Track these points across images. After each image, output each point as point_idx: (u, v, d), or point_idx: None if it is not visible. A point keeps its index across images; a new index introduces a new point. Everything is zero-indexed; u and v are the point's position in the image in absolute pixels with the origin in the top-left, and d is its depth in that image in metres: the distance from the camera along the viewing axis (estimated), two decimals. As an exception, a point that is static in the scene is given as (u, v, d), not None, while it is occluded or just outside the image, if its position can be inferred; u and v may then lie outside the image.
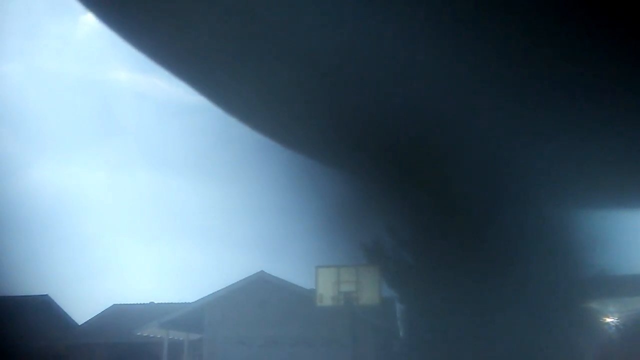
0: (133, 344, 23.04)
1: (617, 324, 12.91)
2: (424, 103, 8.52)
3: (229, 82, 9.10)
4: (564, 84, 8.35)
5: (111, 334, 24.57)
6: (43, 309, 25.92)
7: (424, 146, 9.76)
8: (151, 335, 21.13)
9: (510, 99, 8.64)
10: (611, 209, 13.13)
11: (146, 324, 20.39)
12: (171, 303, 24.35)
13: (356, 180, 12.19)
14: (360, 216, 13.87)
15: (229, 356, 18.21)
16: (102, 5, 7.77)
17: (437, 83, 8.14)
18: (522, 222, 12.10)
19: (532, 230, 12.31)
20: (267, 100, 9.21)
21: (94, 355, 24.00)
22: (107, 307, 27.31)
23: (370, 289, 14.45)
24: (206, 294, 19.21)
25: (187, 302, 21.24)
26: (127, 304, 27.19)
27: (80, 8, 7.91)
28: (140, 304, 26.63)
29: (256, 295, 18.66)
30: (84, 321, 26.98)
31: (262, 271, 18.99)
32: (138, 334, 20.77)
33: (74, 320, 27.29)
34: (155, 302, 26.57)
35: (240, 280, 19.04)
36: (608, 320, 12.81)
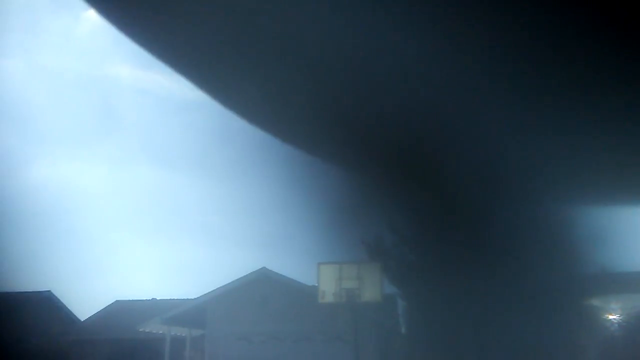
0: (135, 340, 23.09)
1: (620, 320, 12.92)
2: (425, 102, 8.52)
3: (231, 79, 9.10)
4: (564, 82, 8.35)
5: (114, 330, 24.63)
6: (45, 305, 25.99)
7: (425, 144, 9.77)
8: (153, 331, 21.17)
9: (510, 98, 8.63)
10: (613, 207, 13.12)
11: (148, 320, 20.43)
12: (173, 299, 24.42)
13: (358, 177, 12.20)
14: (362, 213, 13.89)
15: (231, 352, 18.25)
16: (105, 3, 7.76)
17: (438, 82, 8.14)
18: (523, 219, 12.10)
19: (533, 227, 12.31)
20: (269, 98, 9.21)
21: (96, 351, 24.06)
22: (110, 303, 27.40)
23: (372, 286, 14.45)
24: (208, 290, 19.25)
25: (189, 298, 21.28)
26: (129, 300, 27.25)
27: (82, 4, 7.91)
28: (143, 300, 26.70)
29: (258, 291, 18.69)
30: (87, 317, 27.07)
31: (264, 267, 19.01)
32: (140, 330, 20.81)
33: (76, 316, 27.37)
34: (158, 298, 26.66)
35: (242, 277, 19.06)
36: (610, 317, 12.81)
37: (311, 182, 12.66)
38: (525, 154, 10.00)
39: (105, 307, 27.19)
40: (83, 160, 35.14)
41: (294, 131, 10.63)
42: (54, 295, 26.58)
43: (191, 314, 19.58)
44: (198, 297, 19.58)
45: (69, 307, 27.36)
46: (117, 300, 27.51)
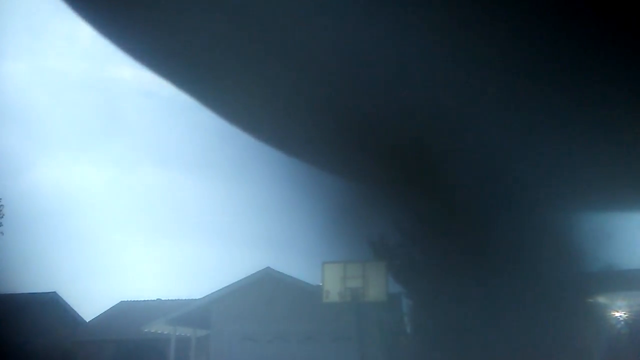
0: (140, 340, 23.13)
1: (626, 317, 12.87)
2: (430, 104, 8.51)
3: (229, 88, 9.06)
4: (566, 87, 8.33)
5: (119, 331, 24.69)
6: (51, 306, 26.03)
7: (430, 145, 9.76)
8: (158, 332, 21.20)
9: (512, 100, 8.62)
10: (617, 208, 13.08)
11: (153, 321, 20.45)
12: (178, 299, 24.46)
13: (362, 177, 12.19)
14: (367, 212, 13.87)
15: (236, 352, 18.24)
16: (100, 15, 7.73)
17: (442, 85, 8.13)
18: (527, 216, 12.08)
19: (537, 225, 12.29)
20: (269, 104, 9.19)
21: (101, 351, 24.12)
22: (115, 303, 27.48)
23: (376, 285, 14.43)
24: (213, 291, 19.24)
25: (194, 298, 21.29)
26: (134, 301, 27.33)
27: (84, 6, 7.88)
28: (148, 300, 26.76)
29: (263, 291, 18.67)
30: (92, 318, 27.13)
31: (268, 267, 18.99)
32: (145, 330, 20.83)
33: (81, 317, 27.42)
34: (163, 298, 26.70)
35: (246, 277, 19.05)
36: (616, 314, 12.77)
37: (316, 182, 12.66)
38: (528, 154, 10.00)
39: (111, 308, 27.26)
40: (88, 161, 35.24)
41: (296, 135, 10.63)
42: (59, 296, 26.63)
43: (196, 314, 19.59)
44: (203, 297, 19.57)
45: (74, 308, 27.41)
46: (122, 301, 27.59)
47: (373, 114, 9.10)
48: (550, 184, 10.81)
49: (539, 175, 10.53)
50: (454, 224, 12.93)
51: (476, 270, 12.65)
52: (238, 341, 18.45)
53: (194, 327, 20.97)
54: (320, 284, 14.91)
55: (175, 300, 24.73)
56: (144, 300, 26.94)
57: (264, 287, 18.76)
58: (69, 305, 27.10)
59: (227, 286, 19.08)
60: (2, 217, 17.16)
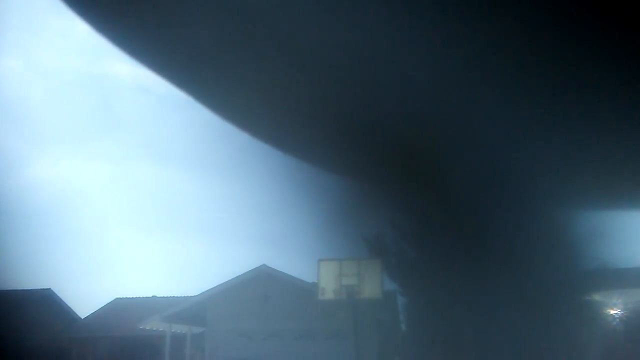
0: (136, 337, 23.11)
1: (621, 315, 12.93)
2: (427, 102, 8.51)
3: (227, 87, 9.03)
4: (566, 84, 8.34)
5: (114, 328, 24.66)
6: (46, 303, 25.99)
7: (426, 143, 9.75)
8: (154, 329, 21.18)
9: (510, 99, 8.63)
10: (614, 207, 13.12)
11: (149, 318, 20.43)
12: (173, 296, 24.43)
13: (358, 175, 12.18)
14: (363, 210, 13.87)
15: (232, 349, 18.24)
16: (95, 11, 7.67)
17: (440, 84, 8.12)
18: (523, 214, 12.09)
19: (533, 223, 12.31)
20: (267, 101, 9.17)
21: (96, 348, 24.09)
22: (110, 300, 27.44)
23: (372, 282, 14.44)
24: (208, 288, 19.22)
25: (189, 295, 21.27)
26: (129, 298, 27.31)
27: (81, 3, 7.83)
28: (143, 297, 26.74)
29: (258, 288, 18.67)
30: (87, 315, 27.10)
31: (264, 265, 18.99)
32: (141, 327, 20.81)
33: (76, 314, 27.40)
34: (158, 295, 26.67)
35: (242, 274, 19.04)
36: (612, 311, 12.82)
37: (312, 179, 12.65)
38: (525, 152, 10.01)
39: (106, 305, 27.22)
40: (83, 158, 35.14)
41: (294, 134, 10.61)
42: (54, 293, 26.60)
43: (191, 311, 19.57)
44: (198, 295, 19.55)
45: (69, 305, 27.40)
46: (117, 298, 27.55)
47: (370, 111, 9.09)
48: (547, 182, 10.83)
49: (536, 173, 10.54)
50: (450, 222, 12.95)
51: (472, 268, 12.67)
52: (233, 338, 18.45)
53: (189, 325, 20.96)
54: (316, 282, 14.91)
55: (171, 297, 24.70)
56: (139, 297, 26.93)
57: (260, 285, 18.76)
58: (64, 302, 27.08)
59: (223, 283, 19.07)
60: (-4, 213, 17.05)
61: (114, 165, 35.70)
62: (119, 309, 26.35)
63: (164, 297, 25.73)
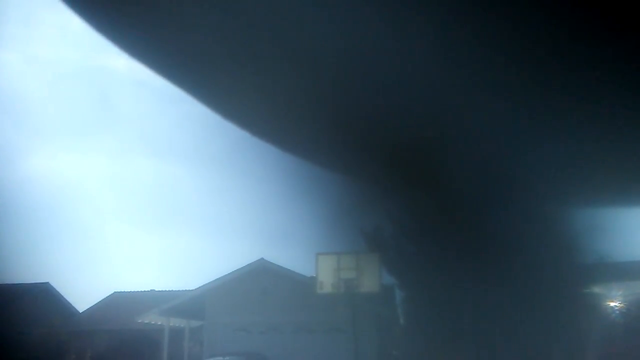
0: (134, 331, 23.13)
1: (621, 307, 12.94)
2: (425, 100, 8.48)
3: (227, 86, 8.98)
4: (564, 83, 8.32)
5: (112, 321, 24.69)
6: (44, 297, 26.02)
7: (425, 139, 9.74)
8: (152, 323, 21.20)
9: (509, 97, 8.62)
10: (613, 203, 13.13)
11: (147, 311, 20.44)
12: (172, 290, 24.47)
13: (357, 171, 12.16)
14: (361, 205, 13.86)
15: (230, 343, 18.26)
16: (95, 10, 7.61)
17: (440, 82, 8.10)
18: (521, 209, 12.09)
19: (531, 217, 12.31)
20: (266, 100, 9.13)
21: (95, 342, 24.11)
22: (108, 294, 27.47)
23: (370, 276, 14.43)
24: (207, 282, 19.24)
25: (187, 289, 21.29)
26: (127, 292, 27.34)
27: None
28: (141, 291, 26.77)
29: (256, 282, 18.68)
30: (85, 309, 27.14)
31: (262, 258, 19.00)
32: (139, 321, 20.82)
33: (75, 308, 27.43)
34: (156, 289, 26.70)
35: (240, 268, 19.05)
36: (612, 304, 12.83)
37: (311, 175, 12.63)
38: (522, 149, 10.00)
39: (104, 299, 27.25)
40: (81, 152, 35.09)
41: (292, 131, 10.59)
42: (52, 287, 26.62)
43: (190, 305, 19.59)
44: (196, 288, 19.57)
45: (67, 299, 27.43)
46: (115, 292, 27.59)
47: (369, 110, 9.07)
48: (546, 177, 10.82)
49: (533, 169, 10.54)
50: (448, 216, 12.95)
51: (470, 262, 12.68)
52: (231, 332, 18.48)
53: (187, 318, 20.98)
54: (314, 276, 14.91)
55: (169, 291, 24.74)
56: (137, 291, 26.94)
57: (258, 279, 18.77)
58: (62, 296, 27.11)
59: (221, 277, 19.08)
60: (-6, 207, 17.03)
61: (112, 159, 35.67)
62: (117, 302, 26.38)
63: (162, 291, 25.77)
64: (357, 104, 8.99)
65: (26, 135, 33.46)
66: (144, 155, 36.52)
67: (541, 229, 12.25)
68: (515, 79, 8.25)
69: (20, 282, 24.36)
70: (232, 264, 19.82)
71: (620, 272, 13.26)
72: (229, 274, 19.05)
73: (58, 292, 26.95)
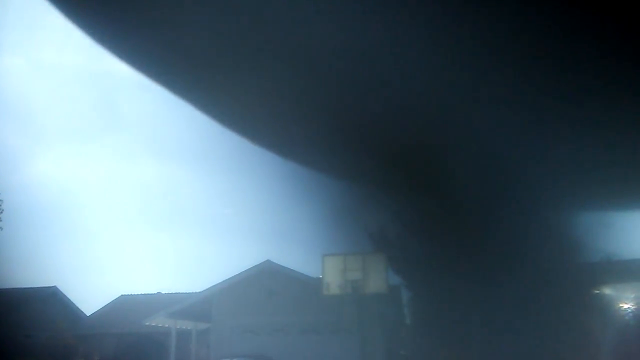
0: (141, 333, 23.17)
1: (633, 309, 12.85)
2: (430, 103, 8.48)
3: (225, 92, 8.97)
4: (568, 87, 8.31)
5: (119, 325, 24.72)
6: (51, 301, 26.09)
7: (430, 141, 9.74)
8: (159, 325, 21.22)
9: (515, 100, 8.60)
10: (617, 204, 13.07)
11: (154, 314, 20.46)
12: (178, 293, 24.47)
13: (363, 173, 12.16)
14: (366, 205, 13.86)
15: (237, 345, 18.27)
16: (92, 19, 7.59)
17: (445, 85, 8.09)
18: (526, 209, 12.07)
19: (537, 217, 12.28)
20: (267, 106, 9.12)
21: (102, 345, 24.16)
22: (115, 297, 27.51)
23: (376, 277, 14.42)
24: (213, 284, 19.25)
25: (194, 291, 21.31)
26: (134, 295, 27.36)
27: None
28: (148, 294, 26.78)
29: (263, 284, 18.68)
30: (93, 312, 27.18)
31: (268, 260, 19.00)
32: (146, 324, 20.85)
33: (82, 312, 27.49)
34: (163, 292, 26.72)
35: (246, 270, 19.06)
36: (625, 305, 12.72)
37: (315, 175, 12.63)
38: (527, 150, 10.00)
39: (111, 302, 27.29)
40: (86, 155, 35.18)
41: (295, 136, 10.59)
42: (59, 290, 26.69)
43: (196, 307, 19.61)
44: (203, 291, 19.59)
45: (74, 303, 27.50)
46: (122, 295, 27.62)
47: (373, 113, 9.07)
48: (550, 179, 10.81)
49: (539, 170, 10.53)
50: (454, 216, 12.92)
51: (477, 262, 12.65)
52: (238, 334, 18.49)
53: (194, 321, 21.00)
54: (321, 277, 14.90)
55: (176, 293, 24.75)
56: (144, 294, 26.97)
57: (264, 280, 18.77)
58: (69, 300, 27.17)
59: (227, 279, 19.09)
60: (1, 212, 17.11)
61: (117, 162, 35.75)
62: (124, 305, 26.42)
63: (168, 293, 25.79)
64: (362, 108, 8.99)
65: (31, 140, 33.59)
66: (149, 158, 36.61)
67: (548, 227, 12.22)
68: (523, 83, 8.24)
69: (28, 286, 24.47)
70: (238, 266, 19.84)
71: (630, 271, 13.14)
72: (235, 276, 19.07)
73: (65, 296, 27.02)
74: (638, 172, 10.99)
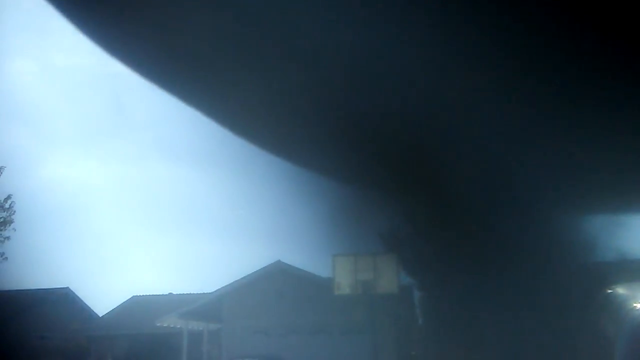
0: (153, 334, 23.27)
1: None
2: (435, 105, 8.44)
3: (227, 95, 8.96)
4: (568, 88, 8.24)
5: (131, 325, 24.85)
6: (64, 302, 26.29)
7: (438, 141, 9.70)
8: (171, 326, 21.32)
9: (527, 98, 8.55)
10: (624, 208, 12.94)
11: (166, 315, 20.56)
12: (190, 294, 24.57)
13: (372, 174, 12.13)
14: (376, 206, 13.82)
15: (248, 345, 18.31)
16: (93, 22, 7.61)
17: (447, 85, 8.05)
18: (538, 208, 11.98)
19: (549, 217, 12.19)
20: (269, 108, 9.11)
21: (115, 346, 24.31)
22: (127, 298, 27.66)
23: (387, 277, 14.41)
24: (224, 284, 19.30)
25: (205, 292, 21.38)
26: (146, 295, 27.49)
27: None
28: (160, 295, 26.90)
29: (274, 284, 18.71)
30: (105, 313, 27.35)
31: (279, 260, 19.02)
32: (158, 324, 20.95)
33: (94, 312, 27.67)
34: (174, 293, 26.82)
35: (257, 270, 19.10)
36: (637, 305, 12.58)
37: (325, 177, 12.61)
38: (537, 151, 9.93)
39: (123, 303, 27.44)
40: (97, 158, 35.41)
41: (296, 141, 10.57)
42: (72, 291, 26.88)
43: (208, 308, 19.67)
44: (214, 291, 19.66)
45: (87, 303, 27.69)
46: (134, 296, 27.77)
47: (383, 115, 9.04)
48: (564, 179, 10.73)
49: (550, 172, 10.45)
50: (466, 217, 12.85)
51: (487, 261, 12.58)
52: (250, 334, 18.52)
53: (206, 321, 21.07)
54: (331, 277, 14.89)
55: (187, 294, 24.84)
56: (156, 295, 27.09)
57: (275, 281, 18.79)
58: (82, 301, 27.36)
59: (238, 280, 19.14)
60: (14, 213, 17.29)
61: (128, 164, 35.95)
62: (136, 306, 26.56)
63: (180, 294, 25.89)
64: (371, 111, 8.97)
65: (43, 143, 33.87)
66: (160, 160, 36.77)
67: (563, 228, 12.13)
68: (525, 83, 8.19)
69: (41, 288, 24.66)
70: (249, 266, 19.87)
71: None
72: (246, 276, 19.11)
73: (78, 297, 27.22)
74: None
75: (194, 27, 7.34)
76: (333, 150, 10.33)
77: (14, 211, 17.28)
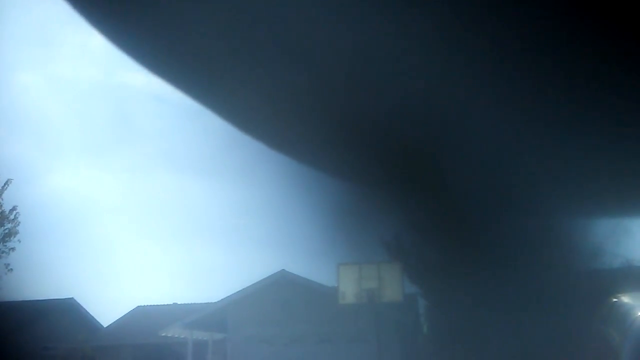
0: (158, 344, 23.24)
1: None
2: (439, 108, 8.45)
3: (236, 94, 9.01)
4: (574, 91, 8.24)
5: (136, 335, 24.81)
6: (69, 312, 26.29)
7: (441, 147, 9.70)
8: (175, 336, 21.28)
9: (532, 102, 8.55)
10: (628, 211, 12.90)
11: (170, 325, 20.53)
12: (194, 303, 24.52)
13: (375, 180, 12.13)
14: (380, 213, 13.81)
15: (253, 355, 18.25)
16: (107, 21, 7.70)
17: (452, 88, 8.06)
18: (547, 215, 11.95)
19: (554, 224, 12.16)
20: (277, 108, 9.14)
21: (119, 356, 24.26)
22: (132, 308, 27.63)
23: (392, 286, 14.35)
24: (229, 294, 19.27)
25: (210, 302, 21.34)
26: (151, 305, 27.47)
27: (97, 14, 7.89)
28: (164, 305, 26.88)
29: (278, 293, 18.66)
30: (109, 323, 27.32)
31: (283, 270, 18.98)
32: (162, 334, 20.92)
33: (99, 323, 27.66)
34: (179, 302, 26.79)
35: (262, 280, 19.06)
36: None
37: (329, 184, 12.63)
38: (543, 156, 9.92)
39: (128, 313, 27.41)
40: (102, 168, 35.51)
41: (306, 140, 10.60)
42: (76, 302, 26.89)
43: (212, 317, 19.63)
44: (219, 301, 19.61)
45: (91, 314, 27.68)
46: (138, 306, 27.75)
47: (382, 117, 9.05)
48: (570, 185, 10.71)
49: (554, 177, 10.43)
50: (471, 225, 12.84)
51: (492, 270, 12.54)
52: (255, 344, 18.46)
53: (210, 331, 21.02)
54: (336, 285, 14.85)
55: (192, 304, 24.81)
56: (161, 305, 27.07)
57: (280, 290, 18.75)
58: (86, 311, 27.36)
59: (243, 289, 19.10)
60: (18, 224, 17.32)
61: (132, 174, 36.04)
62: (141, 316, 26.53)
63: (184, 304, 25.86)
64: (371, 116, 8.98)
65: (48, 154, 34.01)
66: (164, 170, 36.88)
67: (570, 235, 12.09)
68: (527, 85, 8.19)
69: (46, 298, 24.67)
70: (253, 275, 19.84)
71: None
72: (250, 286, 19.07)
73: (82, 307, 27.22)
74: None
75: (202, 28, 7.41)
76: (342, 157, 10.36)
77: (19, 222, 17.30)
